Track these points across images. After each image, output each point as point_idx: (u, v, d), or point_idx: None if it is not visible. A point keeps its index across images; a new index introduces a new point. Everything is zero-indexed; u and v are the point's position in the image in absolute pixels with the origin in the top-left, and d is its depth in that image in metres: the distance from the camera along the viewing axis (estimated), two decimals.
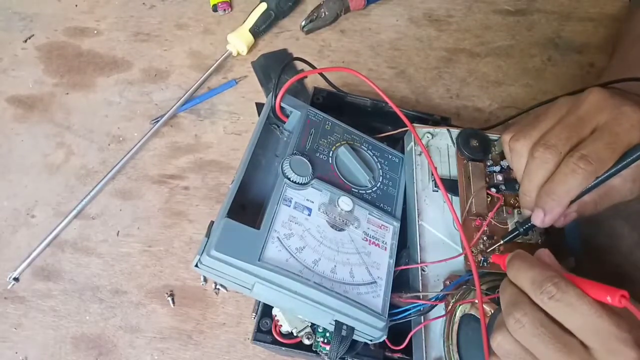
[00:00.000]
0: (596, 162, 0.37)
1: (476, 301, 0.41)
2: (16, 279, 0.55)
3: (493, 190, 0.47)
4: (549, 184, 0.39)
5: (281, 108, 0.48)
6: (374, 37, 0.69)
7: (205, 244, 0.37)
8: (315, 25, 0.68)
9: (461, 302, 0.42)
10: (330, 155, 0.47)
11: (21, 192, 0.60)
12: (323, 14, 0.68)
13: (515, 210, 0.46)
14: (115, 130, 0.63)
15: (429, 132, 0.50)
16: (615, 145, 0.38)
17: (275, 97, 0.47)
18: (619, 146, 0.38)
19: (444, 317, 0.42)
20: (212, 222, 0.39)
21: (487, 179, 0.48)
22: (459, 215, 0.45)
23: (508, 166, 0.49)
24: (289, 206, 0.41)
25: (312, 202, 0.43)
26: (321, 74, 0.54)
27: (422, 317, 0.42)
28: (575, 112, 0.40)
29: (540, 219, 0.40)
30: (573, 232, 0.48)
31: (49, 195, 0.59)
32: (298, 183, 0.43)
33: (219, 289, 0.55)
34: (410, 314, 0.42)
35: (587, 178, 0.38)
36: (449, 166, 0.49)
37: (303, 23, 0.68)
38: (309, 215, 0.42)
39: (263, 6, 0.67)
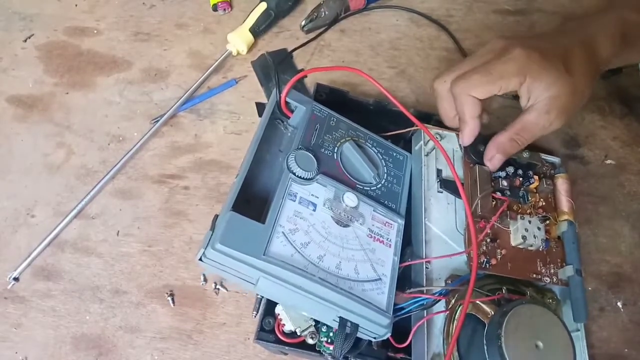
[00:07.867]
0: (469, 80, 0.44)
1: (477, 301, 0.41)
2: (16, 279, 0.54)
3: (498, 194, 0.47)
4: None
5: (286, 103, 0.48)
6: (374, 36, 0.70)
7: (210, 237, 0.37)
8: (315, 25, 0.68)
9: (462, 301, 0.42)
10: (335, 151, 0.47)
11: (21, 192, 0.59)
12: (323, 13, 0.68)
13: (519, 216, 0.46)
14: (115, 130, 0.63)
15: (437, 134, 0.51)
16: (487, 71, 0.44)
17: (281, 91, 0.46)
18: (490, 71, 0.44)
19: (445, 314, 0.42)
20: (216, 216, 0.39)
21: (493, 184, 0.48)
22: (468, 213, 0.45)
23: (513, 172, 0.49)
24: (294, 201, 0.41)
25: (317, 198, 0.43)
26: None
27: (425, 311, 0.42)
28: (473, 57, 0.46)
29: (461, 139, 0.48)
30: (572, 236, 0.48)
31: (49, 195, 0.59)
32: (303, 178, 0.43)
33: (219, 288, 0.54)
34: (412, 308, 0.42)
35: (465, 90, 0.44)
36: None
37: (303, 23, 0.68)
38: (314, 210, 0.42)
39: (263, 6, 0.67)
